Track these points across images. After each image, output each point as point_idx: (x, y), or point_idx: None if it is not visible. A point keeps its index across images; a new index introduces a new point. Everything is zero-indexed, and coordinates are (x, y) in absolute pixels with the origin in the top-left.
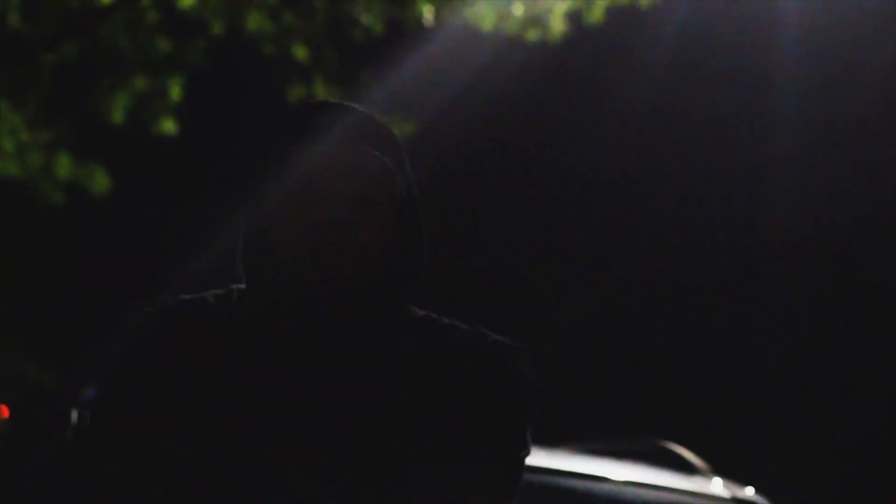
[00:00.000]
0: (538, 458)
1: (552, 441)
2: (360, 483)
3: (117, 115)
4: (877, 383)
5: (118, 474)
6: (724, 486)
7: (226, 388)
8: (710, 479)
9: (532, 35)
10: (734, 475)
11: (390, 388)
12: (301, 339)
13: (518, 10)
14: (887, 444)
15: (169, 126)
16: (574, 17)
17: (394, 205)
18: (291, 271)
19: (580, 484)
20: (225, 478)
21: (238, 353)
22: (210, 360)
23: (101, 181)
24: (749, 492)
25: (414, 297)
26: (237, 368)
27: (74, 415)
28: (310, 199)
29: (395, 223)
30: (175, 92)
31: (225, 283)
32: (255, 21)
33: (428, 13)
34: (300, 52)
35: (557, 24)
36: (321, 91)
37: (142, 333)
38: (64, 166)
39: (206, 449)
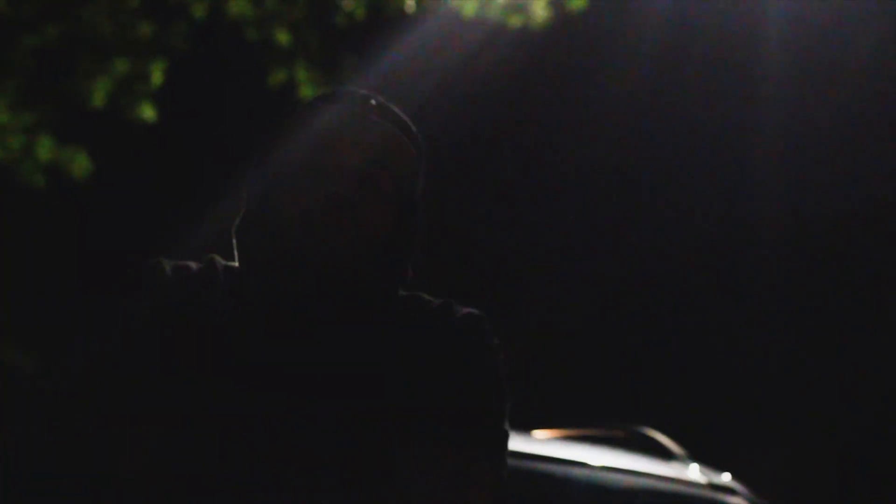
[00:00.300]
0: (516, 443)
1: (530, 426)
2: (353, 465)
3: (98, 99)
4: (860, 374)
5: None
6: (700, 471)
7: (215, 366)
8: (688, 464)
9: (515, 21)
10: (711, 461)
11: (381, 372)
12: (296, 319)
13: None
14: (868, 434)
15: (148, 111)
16: (557, 3)
17: (400, 183)
18: (294, 245)
19: (557, 469)
20: (208, 460)
21: (229, 330)
22: (199, 337)
23: (82, 164)
24: (726, 477)
25: (403, 285)
26: (227, 345)
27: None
28: (318, 173)
29: (399, 206)
30: (156, 76)
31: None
32: (237, 5)
33: None
34: (282, 37)
35: (540, 11)
36: (303, 76)
37: (126, 298)
38: (45, 149)
39: (190, 430)
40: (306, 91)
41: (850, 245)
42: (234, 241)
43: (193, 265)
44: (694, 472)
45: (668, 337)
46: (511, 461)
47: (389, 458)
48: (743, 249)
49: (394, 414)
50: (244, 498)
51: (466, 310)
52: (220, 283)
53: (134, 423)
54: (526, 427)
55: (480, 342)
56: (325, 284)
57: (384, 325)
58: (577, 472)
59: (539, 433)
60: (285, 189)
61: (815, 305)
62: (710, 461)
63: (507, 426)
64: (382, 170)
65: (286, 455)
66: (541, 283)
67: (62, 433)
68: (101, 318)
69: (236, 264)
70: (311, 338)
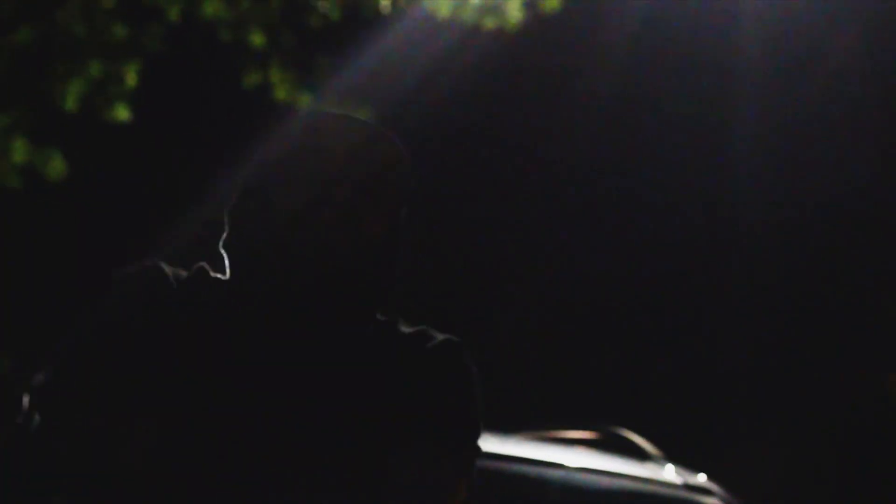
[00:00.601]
0: (493, 444)
1: (507, 428)
2: (350, 465)
3: (72, 101)
4: (841, 373)
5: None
6: (676, 472)
7: (212, 365)
8: (663, 465)
9: (489, 23)
10: (686, 462)
11: (364, 385)
12: (294, 319)
13: None
14: (847, 434)
15: (122, 113)
16: (531, 5)
17: (399, 197)
18: (293, 246)
19: (534, 470)
20: (198, 455)
21: (227, 329)
22: (197, 336)
23: (57, 166)
24: (701, 478)
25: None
26: (225, 345)
27: (26, 400)
28: (320, 180)
29: (394, 217)
30: (131, 78)
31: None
32: (211, 7)
33: (385, 0)
34: (257, 39)
35: (514, 12)
36: (278, 77)
37: (116, 301)
38: (20, 151)
39: (189, 429)
40: (281, 93)
41: (833, 240)
42: (227, 231)
43: (183, 272)
44: (669, 473)
45: (645, 338)
46: (489, 463)
47: (384, 459)
48: (724, 246)
49: (388, 415)
50: (242, 497)
51: (444, 336)
52: (216, 285)
53: (133, 422)
54: (504, 429)
55: (461, 364)
56: (324, 285)
57: (379, 327)
58: (553, 473)
59: (516, 435)
60: (285, 192)
61: (797, 303)
62: (686, 462)
63: (478, 434)
64: (381, 180)
65: (284, 454)
66: (517, 283)
67: (62, 431)
68: (97, 317)
69: (223, 274)
70: (309, 338)
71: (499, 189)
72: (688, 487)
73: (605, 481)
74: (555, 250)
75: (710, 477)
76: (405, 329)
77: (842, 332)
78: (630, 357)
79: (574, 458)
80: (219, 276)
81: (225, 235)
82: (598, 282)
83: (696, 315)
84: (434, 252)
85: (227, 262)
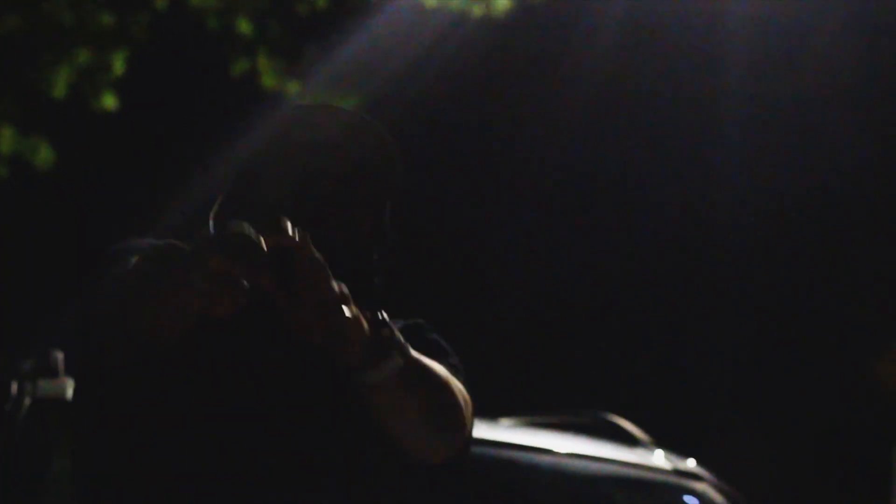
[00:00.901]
0: (481, 430)
1: (495, 414)
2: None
3: (59, 89)
4: (826, 360)
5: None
6: (665, 457)
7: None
8: (652, 451)
9: (476, 10)
10: (676, 447)
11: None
12: (271, 315)
13: None
14: (834, 421)
15: (109, 101)
16: None
17: (386, 189)
18: None
19: (523, 456)
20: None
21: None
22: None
23: (45, 155)
24: (690, 463)
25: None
26: (219, 330)
27: (14, 387)
28: (308, 170)
29: (383, 211)
30: (118, 66)
31: None
32: None
33: None
34: (244, 26)
35: (502, 0)
36: (265, 65)
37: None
38: (7, 140)
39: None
40: (268, 80)
41: (820, 229)
42: (212, 224)
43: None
44: (659, 459)
45: (633, 325)
46: (477, 449)
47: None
48: (712, 235)
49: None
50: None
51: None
52: None
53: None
54: (492, 415)
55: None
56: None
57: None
58: (542, 459)
59: (505, 421)
60: (273, 183)
61: (785, 291)
62: (675, 447)
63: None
64: (367, 172)
65: (275, 428)
66: (505, 271)
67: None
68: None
69: None
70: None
71: (487, 177)
72: (677, 472)
73: (595, 466)
74: (543, 239)
75: (699, 462)
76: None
77: (829, 319)
78: (618, 344)
79: (563, 443)
80: None
81: (212, 223)
82: (586, 269)
83: (683, 302)
84: (421, 242)
85: None
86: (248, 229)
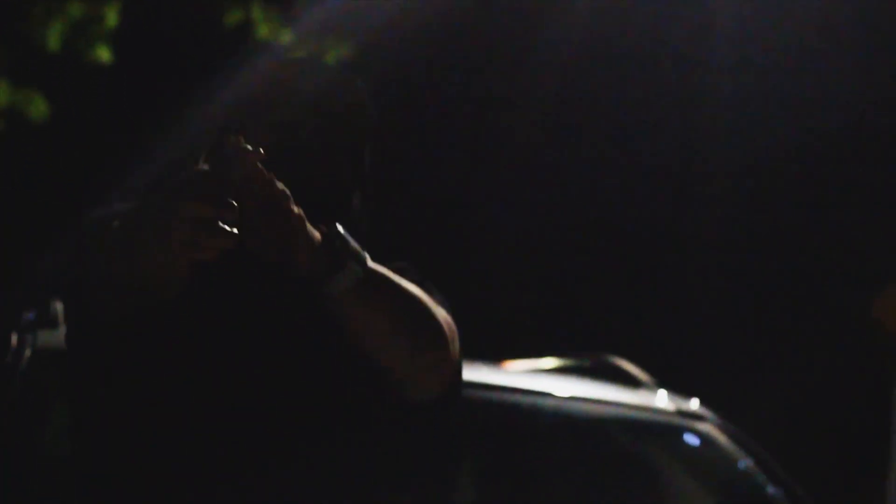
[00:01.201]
0: (483, 375)
1: (496, 358)
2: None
3: (53, 42)
4: (826, 297)
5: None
6: (669, 398)
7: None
8: (655, 392)
9: None
10: (678, 388)
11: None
12: (253, 259)
13: None
14: (833, 358)
15: (104, 53)
16: None
17: (361, 137)
18: None
19: (525, 399)
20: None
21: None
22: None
23: (39, 107)
24: (694, 404)
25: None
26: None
27: (14, 338)
28: (287, 120)
29: (360, 158)
30: (111, 18)
31: None
32: None
33: None
34: None
35: None
36: (259, 15)
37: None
38: (2, 93)
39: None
40: (263, 30)
41: (824, 163)
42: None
43: None
44: (662, 400)
45: (632, 265)
46: (479, 393)
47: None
48: (709, 175)
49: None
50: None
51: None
52: None
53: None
54: (494, 359)
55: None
56: None
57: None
58: (544, 402)
59: (507, 364)
60: (255, 132)
61: (786, 230)
62: (677, 388)
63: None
64: (341, 122)
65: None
66: (499, 215)
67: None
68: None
69: None
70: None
71: (473, 126)
72: (681, 413)
73: (598, 409)
74: (539, 179)
75: (702, 402)
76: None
77: (831, 258)
78: (619, 286)
79: (566, 386)
80: None
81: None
82: (584, 210)
83: (682, 241)
84: (414, 186)
85: None
86: (214, 163)
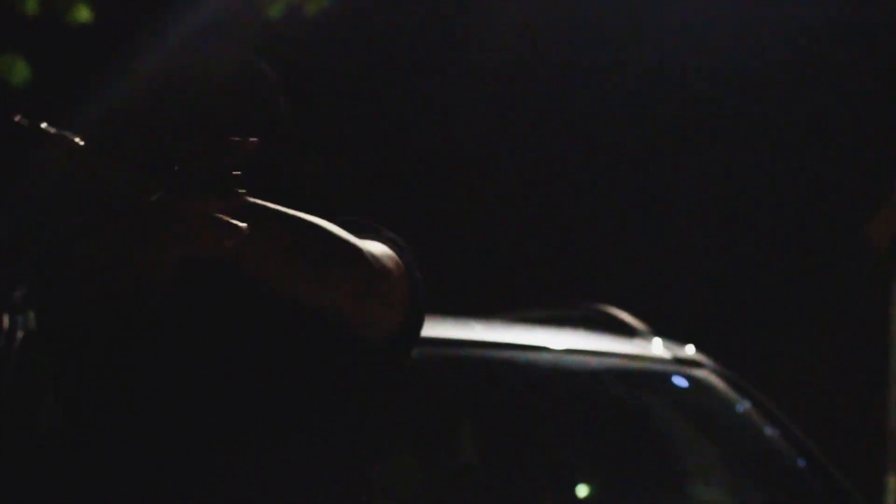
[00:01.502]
0: (476, 332)
1: (487, 313)
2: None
3: (31, 5)
4: (817, 224)
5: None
6: (664, 346)
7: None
8: (651, 340)
9: None
10: (672, 335)
11: None
12: None
13: None
14: (826, 288)
15: (84, 14)
16: None
17: (268, 122)
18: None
19: (520, 355)
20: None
21: None
22: None
23: (21, 71)
24: (690, 350)
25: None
26: None
27: (6, 319)
28: (173, 84)
29: (266, 132)
30: None
31: None
32: None
33: None
34: None
35: None
36: None
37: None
38: None
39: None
40: None
41: (813, 97)
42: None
43: None
44: (658, 348)
45: (618, 212)
46: (474, 350)
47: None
48: (701, 111)
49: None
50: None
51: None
52: None
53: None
54: (485, 312)
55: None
56: None
57: None
58: (540, 357)
59: (496, 319)
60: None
61: (776, 158)
62: (672, 335)
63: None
64: (245, 114)
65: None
66: (479, 167)
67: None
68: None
69: None
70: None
71: (462, 61)
72: (678, 361)
73: (594, 361)
74: (518, 129)
75: (698, 349)
76: None
77: (821, 183)
78: (607, 232)
79: (560, 339)
80: None
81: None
82: (572, 152)
83: (672, 184)
84: (399, 141)
85: None
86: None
